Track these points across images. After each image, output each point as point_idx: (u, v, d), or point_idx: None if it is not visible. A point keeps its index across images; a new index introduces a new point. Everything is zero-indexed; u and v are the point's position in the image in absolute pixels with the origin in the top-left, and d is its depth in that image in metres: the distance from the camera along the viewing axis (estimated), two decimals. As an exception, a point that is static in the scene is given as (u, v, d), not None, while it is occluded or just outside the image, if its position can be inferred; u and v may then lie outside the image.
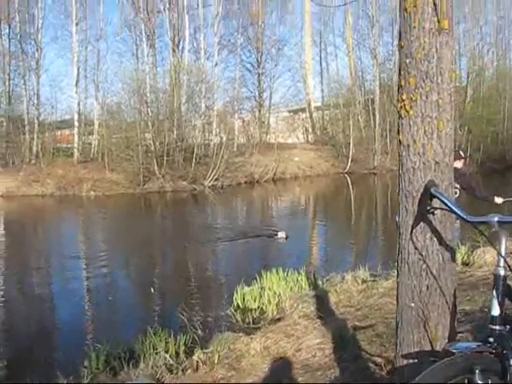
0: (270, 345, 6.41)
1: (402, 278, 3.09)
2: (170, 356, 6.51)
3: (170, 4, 41.14)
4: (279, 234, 16.70)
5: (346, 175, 42.66)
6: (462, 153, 8.86)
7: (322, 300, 8.44)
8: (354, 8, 51.90)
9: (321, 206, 29.76)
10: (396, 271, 3.26)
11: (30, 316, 10.20)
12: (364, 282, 9.54)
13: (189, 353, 6.78)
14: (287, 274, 10.58)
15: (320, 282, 10.32)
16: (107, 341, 7.29)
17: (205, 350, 6.54)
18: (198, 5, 42.76)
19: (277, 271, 10.62)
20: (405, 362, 2.93)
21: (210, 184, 34.42)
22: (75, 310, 10.39)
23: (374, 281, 9.58)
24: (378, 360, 4.93)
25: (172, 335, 7.16)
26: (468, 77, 51.51)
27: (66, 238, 19.59)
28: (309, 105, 53.51)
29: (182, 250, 16.11)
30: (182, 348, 6.87)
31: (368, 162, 45.08)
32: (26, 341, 8.80)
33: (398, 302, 3.13)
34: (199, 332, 7.89)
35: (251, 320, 8.57)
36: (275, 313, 8.71)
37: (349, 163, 44.06)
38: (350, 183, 39.05)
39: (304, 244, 16.84)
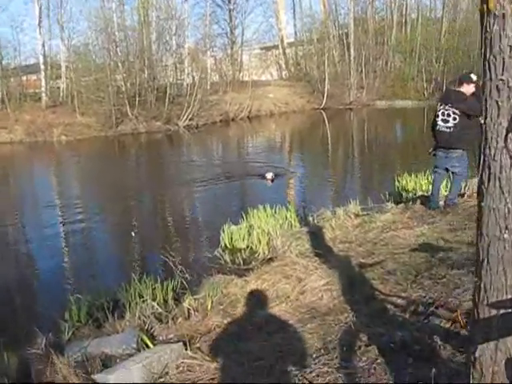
0: (267, 287, 5.87)
1: (488, 202, 2.26)
2: (157, 304, 5.94)
3: None
4: (267, 174, 15.84)
5: (321, 111, 41.94)
6: (473, 76, 8.04)
7: (316, 236, 7.91)
8: None
9: (299, 143, 29.13)
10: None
11: (6, 269, 9.50)
12: (357, 216, 9.02)
13: (178, 300, 6.23)
14: (275, 211, 10.02)
15: (311, 218, 9.80)
16: (88, 291, 6.68)
17: (195, 296, 5.99)
18: None
19: (264, 208, 10.05)
20: (492, 312, 2.23)
21: (184, 124, 33.47)
22: (53, 261, 9.66)
23: (366, 215, 9.06)
24: (398, 301, 4.39)
25: (158, 281, 6.55)
26: (443, 8, 50.48)
27: (38, 186, 18.70)
28: (281, 41, 52.34)
29: (161, 192, 15.34)
30: (171, 294, 6.28)
31: (344, 98, 44.33)
32: (2, 295, 8.14)
33: (481, 232, 2.35)
34: (187, 276, 7.30)
35: (241, 261, 7.99)
36: (266, 252, 8.15)
37: (324, 99, 43.27)
38: (326, 119, 38.36)
39: (287, 182, 16.13)
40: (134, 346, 4.94)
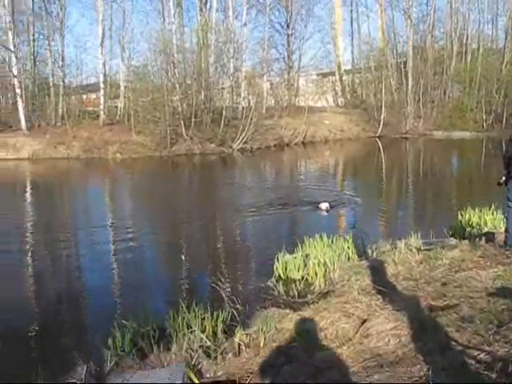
0: (325, 325, 5.40)
1: None
2: (206, 336, 5.55)
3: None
4: (322, 205, 15.08)
5: (377, 139, 41.37)
6: None
7: (377, 271, 7.40)
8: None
9: (353, 172, 28.48)
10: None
11: (53, 285, 9.25)
12: (419, 250, 8.44)
13: (228, 333, 5.82)
14: (332, 241, 9.52)
15: (369, 251, 9.26)
16: (134, 316, 6.30)
17: (247, 331, 5.59)
18: (226, -38, 41.09)
19: (321, 237, 9.57)
20: None
21: (238, 147, 33.36)
22: (100, 281, 9.30)
23: (430, 250, 8.48)
24: (480, 355, 3.84)
25: (208, 311, 6.14)
26: (506, 38, 49.42)
27: (92, 203, 18.56)
28: (338, 67, 52.10)
29: (214, 215, 14.90)
30: (220, 327, 5.87)
31: (400, 127, 43.68)
32: (48, 314, 7.87)
33: None
34: (238, 307, 6.89)
35: (296, 293, 7.52)
36: (323, 285, 7.67)
37: (380, 127, 42.74)
38: (381, 147, 37.71)
39: (342, 211, 15.48)
40: (180, 382, 4.55)
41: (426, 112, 45.16)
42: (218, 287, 7.39)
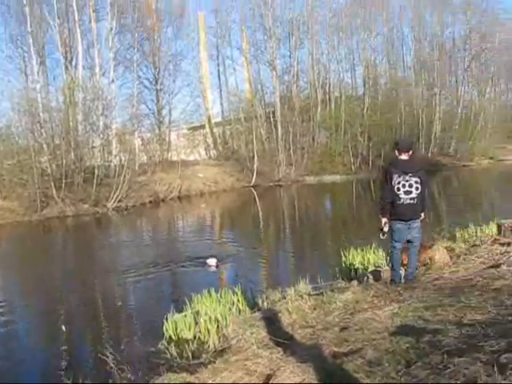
0: (228, 387, 5.06)
1: None
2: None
3: (59, 18, 38.79)
4: (210, 260, 14.54)
5: (251, 189, 41.79)
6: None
7: (272, 322, 7.18)
8: (249, 21, 51.85)
9: (231, 223, 28.31)
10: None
11: None
12: (310, 295, 8.34)
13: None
14: (221, 296, 9.20)
15: (260, 301, 9.04)
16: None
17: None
18: (90, 19, 40.61)
19: (209, 292, 9.22)
20: None
21: (113, 206, 32.36)
22: None
23: (318, 294, 8.42)
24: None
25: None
26: (364, 86, 52.50)
27: None
28: (209, 120, 52.61)
29: (92, 280, 13.87)
30: (112, 401, 5.35)
31: (273, 175, 44.58)
32: None
33: None
34: (129, 376, 6.40)
35: (190, 354, 7.09)
36: (217, 342, 7.30)
37: (254, 176, 43.27)
38: (256, 197, 38.13)
39: (226, 264, 15.09)
40: None
41: (296, 159, 46.50)
42: (104, 357, 6.83)
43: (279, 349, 5.81)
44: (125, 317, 10.52)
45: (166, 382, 5.62)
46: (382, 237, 8.09)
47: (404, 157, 7.74)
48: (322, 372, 4.66)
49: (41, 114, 33.19)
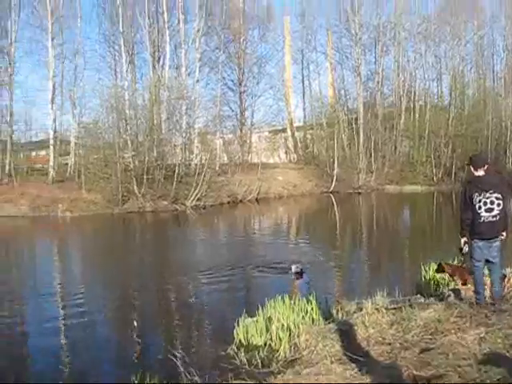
0: (298, 402, 4.80)
1: None
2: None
3: (149, 19, 39.84)
4: (294, 267, 13.58)
5: (330, 194, 41.42)
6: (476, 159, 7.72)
7: (347, 335, 6.87)
8: (335, 26, 51.37)
9: (308, 229, 27.78)
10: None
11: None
12: (387, 310, 7.94)
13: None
14: (294, 303, 8.93)
15: (334, 312, 8.72)
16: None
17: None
18: (178, 20, 41.44)
19: (282, 299, 8.97)
20: None
21: (192, 204, 32.80)
22: (46, 359, 8.36)
23: (396, 308, 8.00)
24: None
25: None
26: (450, 95, 50.94)
27: (41, 267, 17.20)
28: (291, 124, 52.57)
29: (167, 278, 13.83)
30: (178, 406, 5.18)
31: (352, 181, 44.00)
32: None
33: None
34: (197, 380, 6.23)
35: (259, 361, 6.87)
36: (288, 352, 7.05)
37: (333, 182, 42.88)
38: (335, 203, 37.69)
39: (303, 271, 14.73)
40: None
41: (377, 167, 45.69)
42: (173, 357, 6.70)
43: (353, 365, 5.50)
44: (196, 317, 10.39)
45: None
46: (461, 257, 7.77)
47: (480, 173, 7.37)
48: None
49: (127, 111, 34.11)
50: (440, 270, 10.11)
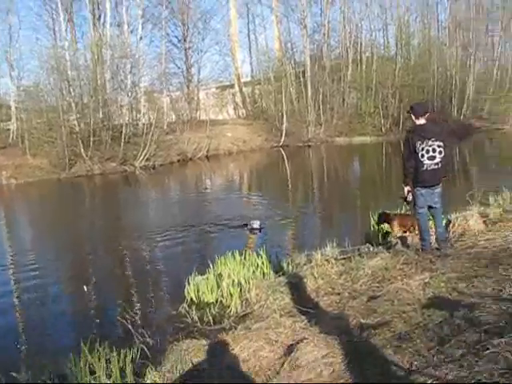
0: (247, 357, 4.83)
1: None
2: (113, 382, 4.83)
3: (87, -25, 38.33)
4: (252, 222, 13.40)
5: (280, 149, 41.38)
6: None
7: (296, 288, 6.94)
8: (281, -22, 50.64)
9: (259, 184, 27.84)
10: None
11: None
12: (337, 260, 8.03)
13: (139, 374, 5.10)
14: (245, 258, 8.95)
15: (285, 265, 8.76)
16: (29, 365, 5.46)
17: (160, 370, 4.90)
18: (118, -24, 40.02)
19: (233, 254, 8.99)
20: None
21: (141, 164, 32.34)
22: None
23: (347, 258, 8.11)
24: (428, 382, 3.35)
25: (114, 351, 5.40)
26: (397, 46, 51.15)
27: None
28: (238, 79, 52.03)
29: (118, 240, 13.55)
30: (130, 367, 5.15)
31: (302, 135, 43.96)
32: None
33: None
34: (149, 341, 6.21)
35: (211, 318, 6.89)
36: (239, 307, 7.10)
37: (282, 137, 42.79)
38: (285, 157, 37.68)
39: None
40: None
41: (326, 119, 45.77)
42: (125, 320, 6.64)
43: (303, 317, 5.54)
44: (149, 278, 10.29)
45: (184, 348, 5.37)
46: (406, 206, 7.90)
47: (422, 121, 7.44)
48: (347, 346, 4.36)
49: (69, 72, 33.01)
50: (382, 220, 10.30)
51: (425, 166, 7.24)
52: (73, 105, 32.56)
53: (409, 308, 4.96)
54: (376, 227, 10.97)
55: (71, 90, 32.96)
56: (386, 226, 10.48)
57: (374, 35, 53.64)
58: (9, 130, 36.43)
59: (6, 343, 7.23)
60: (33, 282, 10.38)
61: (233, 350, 4.98)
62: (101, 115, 33.07)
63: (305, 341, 4.52)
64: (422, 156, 7.21)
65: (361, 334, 4.68)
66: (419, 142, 7.23)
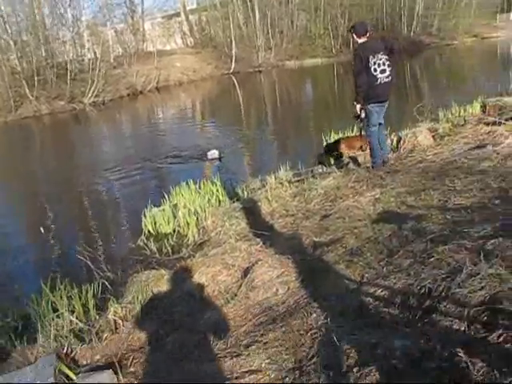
0: (206, 282, 4.94)
1: None
2: (76, 317, 4.89)
3: None
4: (210, 153, 13.42)
5: (231, 76, 40.86)
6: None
7: (252, 212, 7.03)
8: None
9: (211, 112, 27.61)
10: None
11: None
12: (290, 183, 8.14)
13: (102, 308, 5.16)
14: (200, 187, 8.99)
15: (240, 191, 8.83)
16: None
17: (122, 302, 4.98)
18: None
19: (187, 184, 9.02)
20: None
21: (90, 101, 31.57)
22: None
23: (301, 180, 8.21)
24: (378, 292, 3.50)
25: (75, 287, 5.45)
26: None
27: None
28: (184, 7, 50.64)
29: (73, 179, 13.45)
30: (92, 302, 5.19)
31: (252, 60, 43.45)
32: None
33: None
34: (109, 275, 6.27)
35: (170, 249, 6.95)
36: (197, 236, 7.17)
37: (233, 63, 42.21)
38: (236, 84, 37.27)
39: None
40: (52, 380, 3.89)
41: (276, 43, 45.26)
42: (83, 257, 6.65)
43: (258, 240, 5.65)
44: (107, 215, 10.26)
45: (144, 279, 5.45)
46: (359, 124, 7.95)
47: (363, 40, 7.39)
48: (300, 264, 4.50)
49: (2, 8, 31.45)
50: (330, 151, 10.41)
51: (378, 80, 7.22)
52: (11, 43, 31.18)
53: (360, 224, 5.10)
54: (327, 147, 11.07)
55: (7, 27, 31.48)
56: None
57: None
58: None
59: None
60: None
61: (192, 276, 5.08)
62: (43, 53, 31.93)
63: (259, 262, 4.65)
64: (375, 70, 7.19)
65: (314, 252, 4.82)
66: (371, 56, 7.20)
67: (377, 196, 5.87)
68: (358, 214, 5.43)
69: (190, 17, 50.82)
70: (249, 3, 45.54)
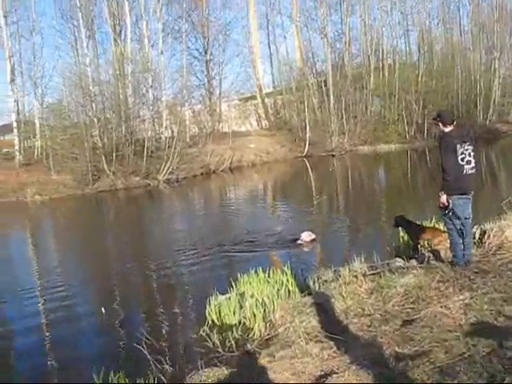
0: (272, 391, 4.38)
1: None
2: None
3: (107, -9, 38.43)
4: (303, 235, 12.72)
5: (304, 159, 40.89)
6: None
7: (324, 309, 6.49)
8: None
9: (283, 195, 27.34)
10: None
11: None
12: (365, 277, 7.55)
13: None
14: (269, 275, 8.52)
15: (311, 283, 8.29)
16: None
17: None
18: (137, -10, 40.05)
19: (256, 272, 8.57)
20: None
21: (164, 178, 32.04)
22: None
23: (377, 274, 7.62)
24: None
25: (128, 380, 5.02)
26: (419, 51, 50.50)
27: (15, 257, 16.24)
28: (260, 90, 51.82)
29: (142, 259, 13.17)
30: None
31: (325, 144, 43.53)
32: None
33: None
34: (166, 368, 5.81)
35: (233, 342, 6.46)
36: (263, 329, 6.65)
37: (306, 147, 42.35)
38: (309, 167, 37.18)
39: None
40: None
41: (349, 128, 45.23)
42: (142, 346, 6.24)
43: (331, 343, 5.10)
44: (171, 300, 9.76)
45: (203, 379, 4.97)
46: (447, 215, 7.20)
47: (450, 128, 7.00)
48: (382, 379, 3.93)
49: (91, 88, 33.01)
50: (397, 224, 9.88)
51: (464, 171, 6.79)
52: (95, 120, 32.47)
53: (450, 335, 4.49)
54: (405, 239, 10.48)
55: (93, 105, 32.91)
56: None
57: (396, 42, 53.18)
58: (31, 147, 36.68)
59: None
60: (58, 303, 10.02)
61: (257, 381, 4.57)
62: (123, 130, 32.93)
63: (334, 375, 4.09)
64: (462, 160, 6.76)
65: (396, 366, 4.22)
66: (458, 146, 6.77)
67: (466, 301, 5.23)
68: (446, 323, 4.82)
69: (266, 100, 51.84)
70: (324, 88, 46.11)
